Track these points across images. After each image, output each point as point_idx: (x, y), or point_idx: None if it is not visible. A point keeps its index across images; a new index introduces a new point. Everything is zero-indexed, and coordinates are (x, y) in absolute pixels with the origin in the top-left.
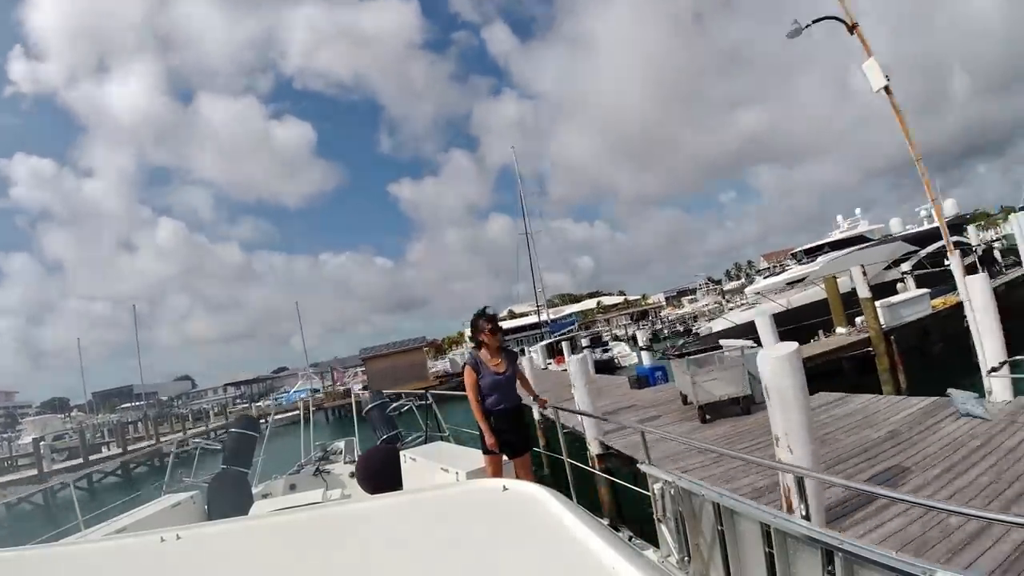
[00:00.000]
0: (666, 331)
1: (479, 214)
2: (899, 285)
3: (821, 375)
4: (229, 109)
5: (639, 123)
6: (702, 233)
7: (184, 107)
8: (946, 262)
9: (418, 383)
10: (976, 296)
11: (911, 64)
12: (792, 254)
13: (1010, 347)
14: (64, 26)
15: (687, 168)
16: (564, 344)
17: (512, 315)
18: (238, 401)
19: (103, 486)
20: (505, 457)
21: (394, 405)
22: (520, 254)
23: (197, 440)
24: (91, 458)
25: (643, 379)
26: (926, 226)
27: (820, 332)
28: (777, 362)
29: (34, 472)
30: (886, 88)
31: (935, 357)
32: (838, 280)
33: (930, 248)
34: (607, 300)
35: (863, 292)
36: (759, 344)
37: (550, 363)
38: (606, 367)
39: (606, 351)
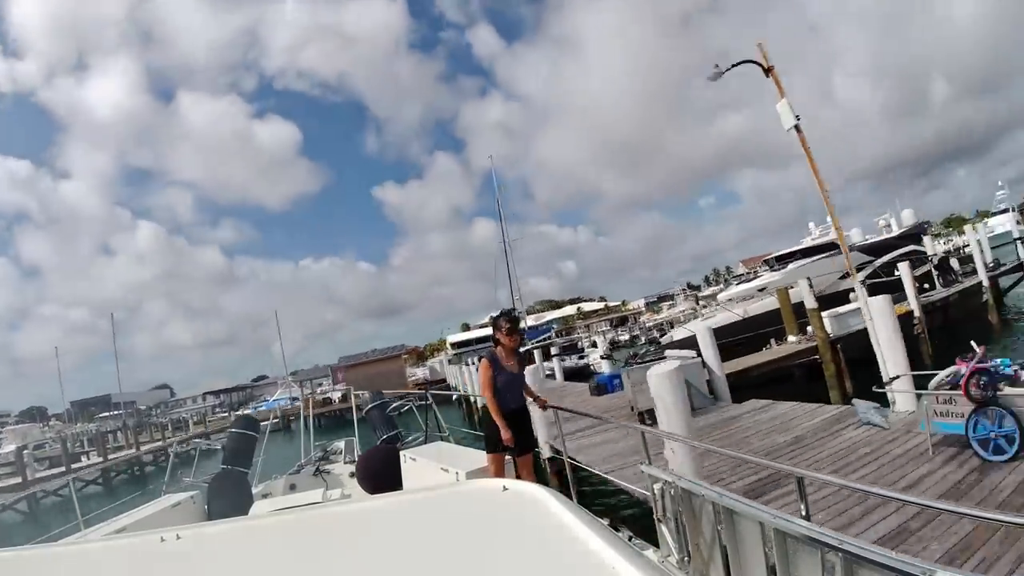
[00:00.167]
0: (643, 337)
1: (463, 218)
2: (851, 295)
3: (772, 381)
4: (211, 108)
5: (624, 126)
6: (684, 238)
7: (164, 105)
8: (896, 272)
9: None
10: (877, 316)
11: (893, 68)
12: (765, 260)
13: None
14: (41, 23)
15: (671, 172)
16: (536, 352)
17: (492, 321)
18: (217, 410)
19: (83, 495)
20: (508, 456)
21: (394, 405)
22: (499, 263)
23: (197, 440)
24: (73, 466)
25: (602, 386)
26: (883, 236)
27: (772, 340)
28: (659, 379)
29: (18, 480)
30: (796, 127)
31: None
32: (794, 289)
33: (884, 259)
34: (587, 306)
35: (810, 303)
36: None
37: None
38: (579, 374)
39: (582, 358)
